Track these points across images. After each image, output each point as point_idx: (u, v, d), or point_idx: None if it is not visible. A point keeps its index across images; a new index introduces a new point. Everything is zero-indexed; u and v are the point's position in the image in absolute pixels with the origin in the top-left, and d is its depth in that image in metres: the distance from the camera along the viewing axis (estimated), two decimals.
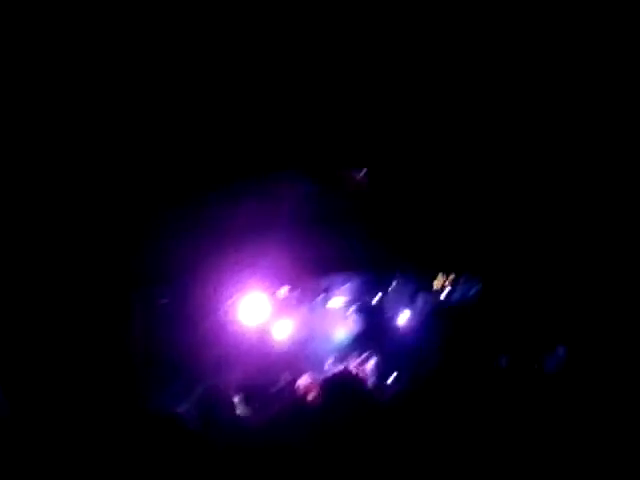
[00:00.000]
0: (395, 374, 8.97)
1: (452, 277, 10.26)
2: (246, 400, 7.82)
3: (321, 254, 8.84)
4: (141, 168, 7.76)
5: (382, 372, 9.11)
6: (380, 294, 9.91)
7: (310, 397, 7.95)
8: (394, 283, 9.90)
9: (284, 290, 9.05)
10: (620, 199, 8.34)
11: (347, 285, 9.58)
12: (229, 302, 8.81)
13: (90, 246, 7.64)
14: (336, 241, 8.78)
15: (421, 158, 8.76)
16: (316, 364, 8.88)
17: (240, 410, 7.78)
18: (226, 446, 5.17)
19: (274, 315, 9.02)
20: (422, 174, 8.91)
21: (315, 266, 8.99)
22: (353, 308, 9.81)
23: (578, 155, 8.43)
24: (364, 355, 9.16)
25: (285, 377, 8.36)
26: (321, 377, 8.55)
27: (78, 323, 7.25)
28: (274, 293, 9.02)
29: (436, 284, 10.29)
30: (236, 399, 7.76)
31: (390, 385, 8.87)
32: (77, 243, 7.52)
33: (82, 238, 7.58)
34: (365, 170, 8.79)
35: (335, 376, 7.83)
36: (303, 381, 8.13)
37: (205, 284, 8.52)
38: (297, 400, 7.89)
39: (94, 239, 7.67)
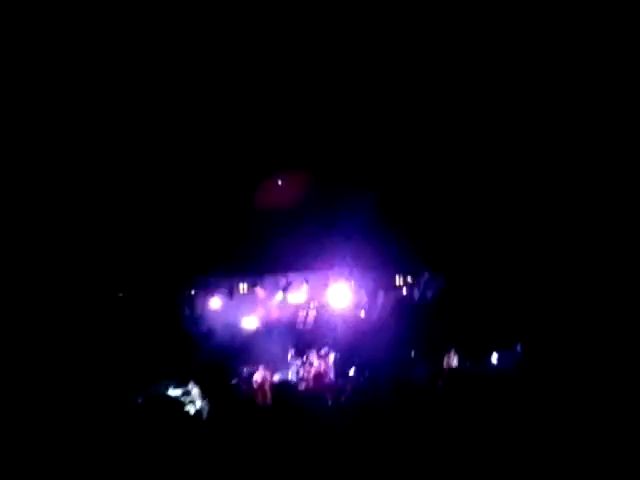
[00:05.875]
0: (354, 368, 9.08)
1: (412, 277, 10.48)
2: (205, 394, 7.86)
3: (281, 253, 8.90)
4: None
5: (342, 365, 9.23)
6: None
7: (262, 391, 8.08)
8: (354, 280, 10.03)
9: (244, 286, 9.12)
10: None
11: (308, 281, 9.69)
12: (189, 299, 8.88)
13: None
14: (297, 241, 8.85)
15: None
16: (278, 357, 8.99)
17: (200, 404, 7.83)
18: None
19: (235, 311, 9.09)
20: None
21: (276, 263, 9.06)
22: (314, 303, 9.93)
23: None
24: (325, 349, 9.25)
25: (245, 370, 8.43)
26: (276, 372, 8.73)
27: None
28: (235, 289, 9.09)
29: (397, 282, 10.45)
30: (196, 392, 7.80)
31: (350, 378, 8.98)
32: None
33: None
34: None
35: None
36: (258, 376, 8.22)
37: (164, 281, 8.61)
38: (252, 392, 7.99)
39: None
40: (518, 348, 9.56)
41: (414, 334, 9.63)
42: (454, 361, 8.94)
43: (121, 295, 8.17)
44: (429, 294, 10.44)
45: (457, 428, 5.22)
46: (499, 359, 9.42)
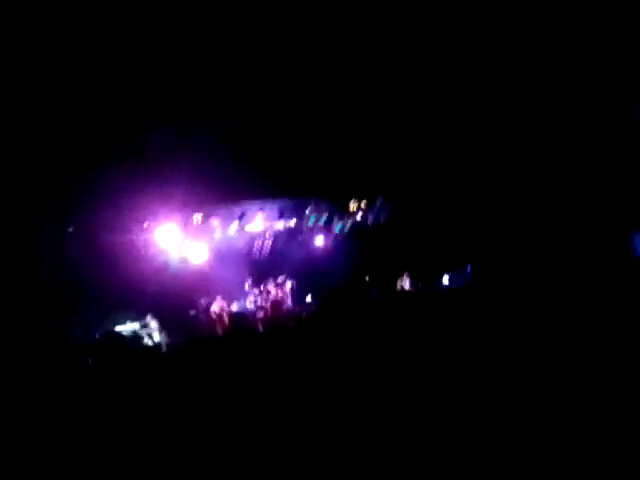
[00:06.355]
0: (310, 295, 9.28)
1: (366, 201, 10.55)
2: (163, 327, 7.89)
3: (236, 182, 8.79)
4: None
5: (299, 292, 9.40)
6: (295, 218, 10.06)
7: (221, 321, 8.18)
8: (309, 208, 10.05)
9: (198, 217, 9.01)
10: None
11: (263, 210, 9.65)
12: (143, 230, 8.70)
13: None
14: (250, 170, 8.74)
15: None
16: (236, 287, 9.05)
17: (159, 337, 7.86)
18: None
19: (190, 242, 9.01)
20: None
21: (230, 193, 8.96)
22: (269, 232, 9.95)
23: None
24: (281, 277, 9.36)
25: (203, 302, 8.48)
26: (234, 301, 8.81)
27: None
28: (189, 220, 8.97)
29: (351, 207, 10.54)
30: (154, 325, 7.82)
31: (307, 304, 9.19)
32: None
33: None
34: None
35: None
36: (216, 306, 8.29)
37: (118, 213, 8.37)
38: (211, 324, 8.08)
39: None
40: (468, 268, 9.94)
41: (368, 259, 9.85)
42: (407, 284, 9.25)
43: (71, 230, 7.98)
44: (382, 219, 10.61)
45: (413, 342, 5.46)
46: (450, 280, 9.78)
